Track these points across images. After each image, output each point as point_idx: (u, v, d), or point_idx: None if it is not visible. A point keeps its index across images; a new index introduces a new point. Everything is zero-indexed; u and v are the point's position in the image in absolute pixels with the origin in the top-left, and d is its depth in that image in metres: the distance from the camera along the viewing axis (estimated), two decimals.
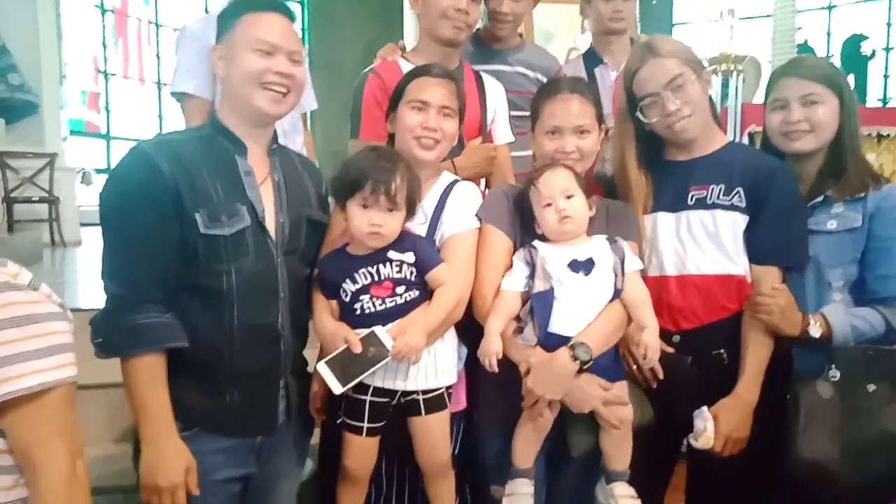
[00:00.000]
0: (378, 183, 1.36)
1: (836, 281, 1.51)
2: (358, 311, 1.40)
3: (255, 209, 1.32)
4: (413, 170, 1.45)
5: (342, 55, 10.82)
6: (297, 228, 1.40)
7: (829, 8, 10.82)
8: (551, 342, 1.39)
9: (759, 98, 7.46)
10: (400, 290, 1.40)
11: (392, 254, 1.41)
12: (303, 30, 11.28)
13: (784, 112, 1.57)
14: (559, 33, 3.50)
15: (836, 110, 1.55)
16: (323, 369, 1.34)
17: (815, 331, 1.45)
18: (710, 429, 1.44)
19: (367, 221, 1.37)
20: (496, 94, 1.96)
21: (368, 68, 1.90)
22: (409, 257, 1.41)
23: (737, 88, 4.77)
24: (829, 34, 10.77)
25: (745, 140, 4.31)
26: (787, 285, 1.52)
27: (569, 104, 1.52)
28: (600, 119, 1.57)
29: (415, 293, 1.41)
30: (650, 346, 1.39)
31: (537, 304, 1.41)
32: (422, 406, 1.44)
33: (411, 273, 1.41)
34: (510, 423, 1.47)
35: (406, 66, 1.85)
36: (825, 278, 1.52)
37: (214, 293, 1.28)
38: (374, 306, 1.39)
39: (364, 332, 1.36)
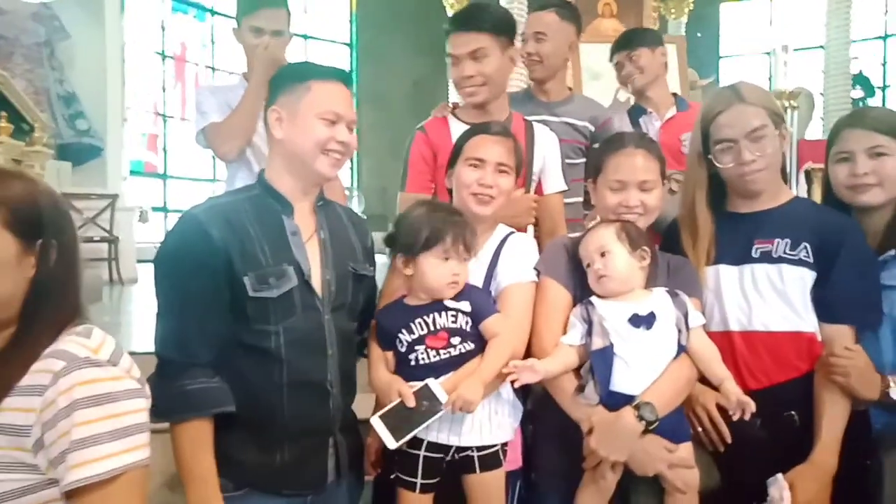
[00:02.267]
0: (458, 235, 1.41)
1: None
2: (413, 363, 1.40)
3: (301, 268, 1.34)
4: (471, 224, 1.48)
5: (390, 92, 11.10)
6: (343, 284, 1.41)
7: (885, 37, 10.55)
8: (614, 401, 1.35)
9: (811, 132, 7.31)
10: (455, 340, 1.39)
11: (448, 302, 1.41)
12: (351, 68, 11.64)
13: (850, 164, 1.52)
14: (606, 72, 3.51)
15: None
16: (377, 423, 1.33)
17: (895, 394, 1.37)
18: (786, 498, 1.36)
19: (449, 272, 1.41)
20: (547, 143, 1.96)
21: (419, 125, 1.97)
22: (465, 306, 1.41)
23: (792, 124, 4.68)
24: (884, 64, 10.48)
25: (803, 177, 4.20)
26: (861, 345, 1.44)
27: (634, 159, 1.51)
28: (663, 175, 1.55)
29: (470, 345, 1.40)
30: (736, 394, 1.34)
31: (597, 362, 1.38)
32: (476, 463, 1.41)
33: (467, 323, 1.41)
34: (571, 483, 1.42)
35: (454, 123, 1.91)
36: None
37: (264, 352, 1.31)
38: (429, 357, 1.39)
39: (418, 384, 1.35)
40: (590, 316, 1.41)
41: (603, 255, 1.43)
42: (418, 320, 1.40)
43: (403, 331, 1.41)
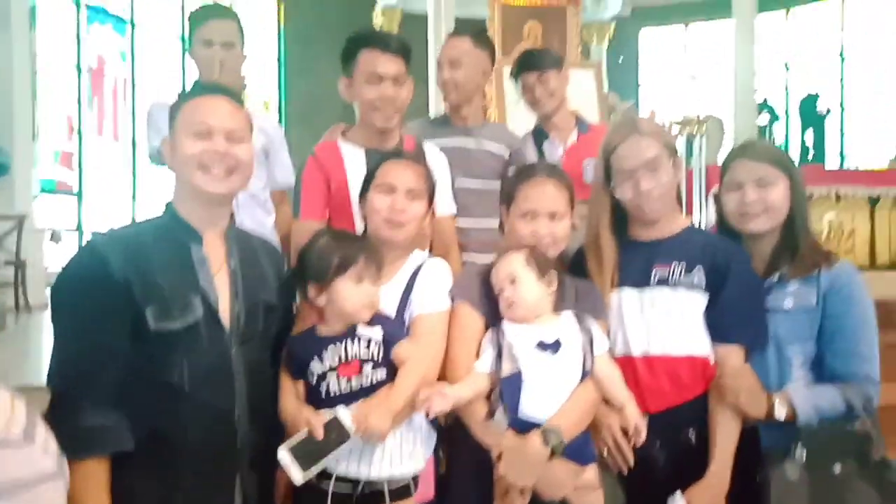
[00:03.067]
0: (370, 257, 1.43)
1: (796, 358, 1.55)
2: (324, 393, 1.39)
3: (208, 299, 1.32)
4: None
5: (319, 107, 11.01)
6: (253, 315, 1.39)
7: (787, 67, 11.35)
8: (522, 426, 1.38)
9: (722, 156, 7.72)
10: (367, 368, 1.39)
11: (360, 329, 1.41)
12: (279, 85, 11.48)
13: (739, 193, 1.63)
14: None
15: (787, 192, 1.61)
16: (283, 456, 1.30)
17: (781, 412, 1.47)
18: None
19: (364, 294, 1.41)
20: (437, 165, 1.98)
21: (310, 152, 1.97)
22: (377, 333, 1.41)
23: (701, 149, 4.95)
24: (786, 92, 11.26)
25: (711, 200, 4.45)
26: (749, 364, 1.55)
27: (544, 188, 1.57)
28: (572, 204, 1.62)
29: (382, 373, 1.40)
30: (635, 418, 1.41)
31: (506, 388, 1.41)
32: (386, 496, 1.40)
33: (379, 351, 1.41)
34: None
35: (344, 145, 1.93)
36: (785, 355, 1.56)
37: (166, 387, 1.27)
38: (340, 387, 1.38)
39: (328, 412, 1.34)
40: (500, 341, 1.45)
41: (513, 281, 1.48)
42: (330, 349, 1.40)
43: (315, 360, 1.40)
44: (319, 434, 1.31)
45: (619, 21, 10.40)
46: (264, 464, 1.41)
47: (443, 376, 1.50)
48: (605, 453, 1.52)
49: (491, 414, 1.43)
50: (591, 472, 1.43)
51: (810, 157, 10.04)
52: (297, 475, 1.30)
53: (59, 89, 8.45)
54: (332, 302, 1.42)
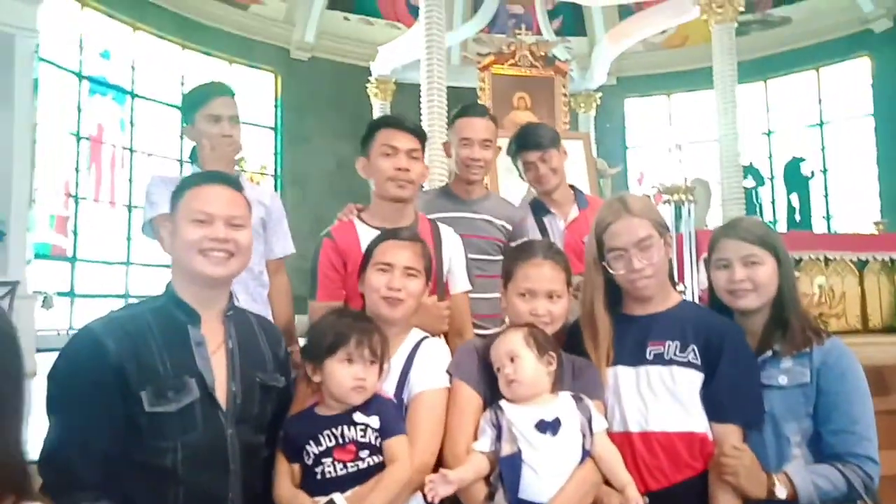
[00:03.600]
0: (361, 338, 1.43)
1: (794, 435, 1.55)
2: (319, 476, 1.38)
3: (204, 380, 1.33)
4: (380, 329, 1.50)
5: (313, 173, 11.21)
6: (250, 396, 1.40)
7: (769, 133, 11.71)
8: None
9: (711, 218, 7.87)
10: (363, 454, 1.39)
11: (358, 416, 1.41)
12: (275, 152, 11.71)
13: (728, 271, 1.67)
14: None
15: (774, 269, 1.65)
16: None
17: (781, 492, 1.46)
18: None
19: (351, 376, 1.41)
20: (452, 244, 2.03)
21: (325, 231, 2.00)
22: (375, 422, 1.41)
23: (690, 214, 5.04)
24: (770, 157, 11.57)
25: (702, 266, 4.52)
26: (747, 443, 1.54)
27: (541, 269, 1.61)
28: (569, 283, 1.65)
29: (378, 458, 1.40)
30: (636, 500, 1.41)
31: (506, 469, 1.41)
32: None
33: (376, 437, 1.41)
34: None
35: (360, 226, 1.96)
36: (783, 433, 1.56)
37: (159, 470, 1.26)
38: (336, 470, 1.38)
39: (323, 500, 1.33)
40: (499, 420, 1.46)
41: (512, 359, 1.49)
42: (326, 432, 1.40)
43: (311, 442, 1.39)
44: None
45: (606, 90, 10.77)
46: None
47: (441, 453, 1.49)
48: None
49: (490, 496, 1.42)
50: None
51: (797, 217, 10.24)
52: None
53: (58, 156, 8.59)
54: (325, 382, 1.43)
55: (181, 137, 10.43)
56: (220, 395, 1.35)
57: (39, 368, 5.66)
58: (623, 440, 1.54)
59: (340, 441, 1.39)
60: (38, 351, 6.02)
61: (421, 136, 1.98)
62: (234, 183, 1.46)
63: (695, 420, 1.56)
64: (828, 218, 10.96)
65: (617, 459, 1.47)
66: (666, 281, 1.68)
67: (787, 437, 1.55)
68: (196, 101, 2.26)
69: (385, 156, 1.93)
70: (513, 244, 2.36)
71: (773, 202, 11.24)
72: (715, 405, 1.56)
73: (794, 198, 10.63)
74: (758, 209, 11.05)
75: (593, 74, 10.33)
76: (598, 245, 1.66)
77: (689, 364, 1.57)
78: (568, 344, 1.69)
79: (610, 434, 1.53)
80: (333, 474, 1.37)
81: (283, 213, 2.44)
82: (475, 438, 1.49)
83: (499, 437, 1.44)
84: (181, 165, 10.39)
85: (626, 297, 1.68)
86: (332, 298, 1.85)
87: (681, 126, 11.89)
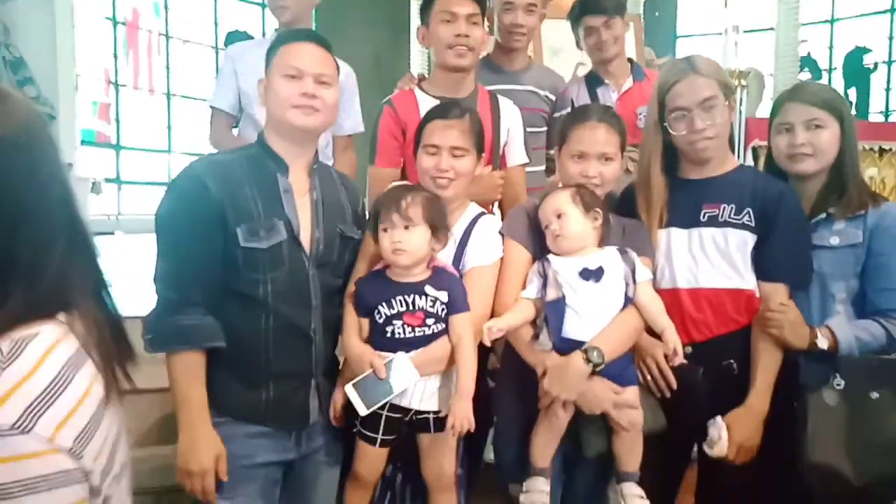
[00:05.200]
0: (390, 204, 1.48)
1: (840, 293, 1.59)
2: (388, 335, 1.48)
3: (290, 224, 1.43)
4: (434, 196, 1.54)
5: (350, 62, 10.91)
6: (330, 243, 1.50)
7: (832, 21, 10.92)
8: (565, 346, 1.47)
9: (762, 112, 7.57)
10: (430, 321, 1.49)
11: (429, 289, 1.49)
12: None
13: (789, 135, 1.65)
14: (567, 48, 3.61)
15: (837, 134, 1.63)
16: (350, 391, 1.45)
17: (823, 343, 1.52)
18: (724, 438, 1.50)
19: (388, 241, 1.47)
20: (511, 116, 2.02)
21: (386, 99, 2.01)
22: (443, 296, 1.49)
23: (740, 103, 4.86)
24: (831, 47, 10.86)
25: (749, 154, 4.40)
26: (793, 300, 1.58)
27: (596, 131, 1.60)
28: (623, 148, 1.65)
29: (441, 326, 1.50)
30: (674, 342, 1.47)
31: (550, 312, 1.49)
32: (431, 424, 1.52)
33: (442, 310, 1.50)
34: (528, 427, 1.53)
35: (421, 96, 1.96)
36: (829, 291, 1.59)
37: (252, 299, 1.41)
38: (405, 333, 1.48)
39: (389, 356, 1.45)
40: (545, 271, 1.52)
41: (559, 216, 1.53)
42: (399, 297, 1.48)
43: (384, 304, 1.49)
44: (383, 374, 1.44)
45: None
46: (334, 374, 1.56)
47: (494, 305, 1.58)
48: (649, 378, 1.58)
49: (536, 336, 1.51)
50: (631, 393, 1.50)
51: (854, 112, 9.75)
52: (362, 408, 1.44)
53: (95, 42, 8.56)
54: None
55: (215, 23, 10.28)
56: (305, 239, 1.46)
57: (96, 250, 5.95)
58: (671, 296, 1.60)
59: (411, 307, 1.48)
60: (95, 235, 6.32)
61: (480, 1, 1.92)
62: (324, 42, 1.51)
63: (743, 279, 1.60)
64: (886, 113, 10.41)
65: (659, 307, 1.53)
66: (726, 144, 1.67)
67: (833, 294, 1.59)
68: None
69: (444, 22, 1.90)
70: (556, 115, 2.34)
71: None
72: (766, 264, 1.59)
73: (853, 92, 10.09)
74: None
75: None
76: (660, 107, 1.64)
77: (742, 226, 1.59)
78: (620, 208, 1.72)
79: (658, 290, 1.58)
80: (402, 336, 1.48)
81: (355, 90, 2.45)
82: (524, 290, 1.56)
83: (544, 286, 1.51)
84: (216, 52, 10.30)
85: (684, 160, 1.68)
86: (390, 165, 1.91)
87: (737, 12, 11.16)
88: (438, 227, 1.50)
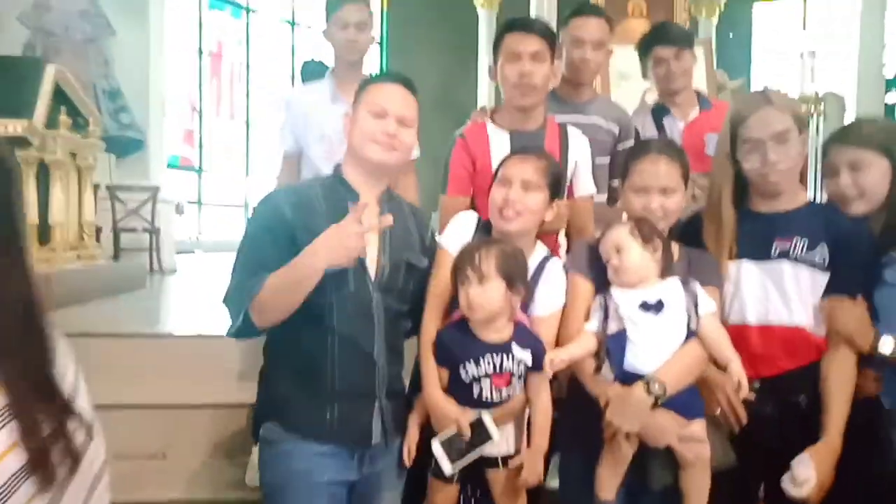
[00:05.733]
0: (465, 259, 1.53)
1: None
2: (476, 394, 1.53)
3: None
4: (511, 246, 1.56)
5: (418, 84, 11.18)
6: (396, 271, 1.57)
7: None
8: (627, 378, 1.48)
9: None
10: (514, 381, 1.55)
11: (516, 349, 1.53)
12: (381, 66, 11.81)
13: (835, 178, 1.64)
14: (634, 74, 3.61)
15: (885, 171, 1.60)
16: (436, 449, 1.51)
17: (886, 347, 1.49)
18: (812, 477, 1.46)
19: (464, 296, 1.52)
20: (579, 147, 2.05)
21: (458, 131, 2.09)
22: (528, 357, 1.53)
23: (817, 129, 4.70)
24: None
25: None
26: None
27: (657, 165, 1.62)
28: (686, 179, 1.66)
29: (521, 385, 1.56)
30: (738, 374, 1.46)
31: (612, 344, 1.51)
32: (500, 462, 1.56)
33: (525, 369, 1.55)
34: (593, 458, 1.54)
35: (491, 129, 2.02)
36: None
37: (319, 319, 1.48)
38: (492, 395, 1.53)
39: (473, 414, 1.51)
40: (607, 304, 1.54)
41: (618, 250, 1.56)
42: (488, 357, 1.52)
43: (471, 362, 1.52)
44: (468, 435, 1.50)
45: None
46: (397, 396, 1.61)
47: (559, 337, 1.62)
48: (718, 412, 1.57)
49: (598, 368, 1.53)
50: (697, 426, 1.49)
51: None
52: (447, 467, 1.51)
53: (182, 71, 9.15)
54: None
55: (292, 53, 10.78)
56: (371, 265, 1.53)
57: (179, 267, 6.34)
58: (740, 331, 1.59)
59: (498, 369, 1.53)
60: (177, 253, 6.71)
61: (547, 36, 1.97)
62: (411, 86, 1.61)
63: (813, 319, 1.58)
64: None
65: (724, 339, 1.52)
66: (797, 179, 1.65)
67: None
68: (331, 7, 2.41)
69: (509, 62, 1.95)
70: (619, 146, 2.36)
71: None
72: (835, 282, 1.58)
73: None
74: None
75: None
76: (732, 138, 1.64)
77: (814, 265, 1.57)
78: (684, 234, 1.71)
79: (727, 324, 1.58)
80: (489, 398, 1.53)
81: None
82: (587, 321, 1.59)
83: (606, 318, 1.54)
84: (292, 82, 10.78)
85: (754, 192, 1.67)
86: (460, 194, 1.98)
87: (816, 34, 10.78)
88: (515, 279, 1.53)
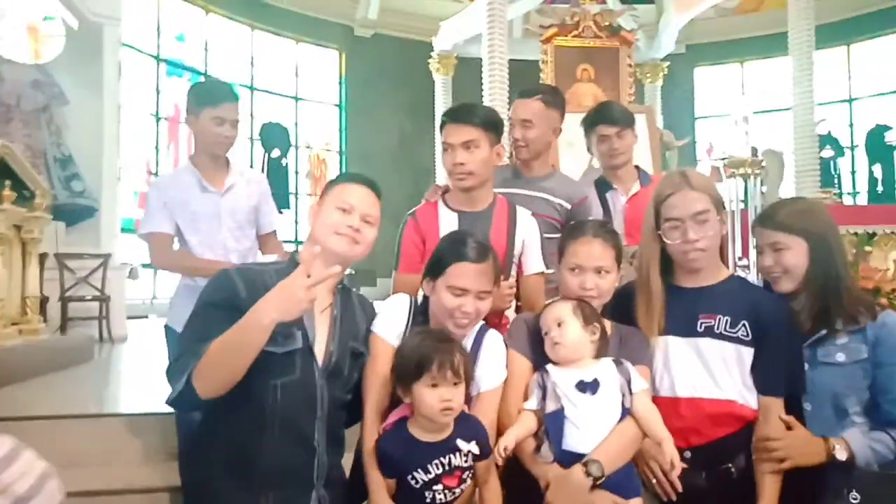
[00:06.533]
0: (444, 361, 1.50)
1: (853, 408, 1.62)
2: (429, 499, 1.51)
3: (307, 335, 1.53)
4: (462, 347, 1.60)
5: (378, 148, 11.46)
6: (342, 358, 1.59)
7: (850, 101, 11.08)
8: (566, 459, 1.50)
9: (784, 190, 7.59)
10: (465, 476, 1.55)
11: (461, 443, 1.52)
12: (340, 128, 12.01)
13: (761, 257, 1.76)
14: (578, 141, 3.77)
15: (803, 251, 1.69)
16: None
17: (841, 454, 1.55)
18: None
19: (438, 399, 1.49)
20: (526, 226, 2.11)
21: (411, 211, 2.16)
22: (475, 447, 1.53)
23: (756, 188, 4.91)
24: (851, 125, 10.97)
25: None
26: (793, 415, 1.62)
27: (591, 246, 1.69)
28: (619, 259, 1.73)
29: (471, 474, 1.57)
30: (671, 455, 1.49)
31: (550, 423, 1.54)
32: None
33: (473, 460, 1.55)
34: None
35: (442, 209, 2.09)
36: (842, 406, 1.62)
37: (260, 402, 1.48)
38: (445, 497, 1.52)
39: None
40: (545, 382, 1.58)
41: (559, 325, 1.61)
42: (435, 461, 1.51)
43: (419, 470, 1.50)
44: None
45: (674, 58, 10.45)
46: (335, 485, 1.60)
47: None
48: (655, 482, 1.60)
49: (538, 448, 1.55)
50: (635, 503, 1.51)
51: (880, 188, 9.70)
52: None
53: (138, 136, 9.12)
54: (415, 404, 1.53)
55: (251, 118, 10.90)
56: (319, 351, 1.56)
57: (130, 334, 6.16)
58: (670, 404, 1.64)
59: (447, 469, 1.52)
60: (129, 318, 6.54)
61: (480, 124, 2.01)
62: (376, 188, 1.69)
63: (742, 392, 1.64)
64: None
65: (655, 417, 1.56)
66: (717, 255, 1.74)
67: (847, 409, 1.62)
68: (206, 100, 2.39)
69: (445, 151, 2.05)
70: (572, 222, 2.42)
71: (852, 173, 10.69)
72: (761, 379, 1.64)
73: (878, 168, 10.08)
74: (836, 180, 10.53)
75: (661, 43, 10.04)
76: (656, 216, 1.73)
77: (738, 340, 1.64)
78: (616, 306, 1.76)
79: (657, 399, 1.62)
80: (443, 500, 1.52)
81: (269, 192, 2.63)
82: (525, 399, 1.62)
83: (544, 397, 1.57)
84: (251, 145, 10.85)
85: (678, 268, 1.74)
86: (411, 271, 2.01)
87: (754, 95, 11.42)
88: (469, 380, 1.57)
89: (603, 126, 2.61)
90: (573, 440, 1.51)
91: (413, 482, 1.51)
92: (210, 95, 2.43)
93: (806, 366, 1.66)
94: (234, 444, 1.48)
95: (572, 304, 1.64)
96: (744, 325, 1.64)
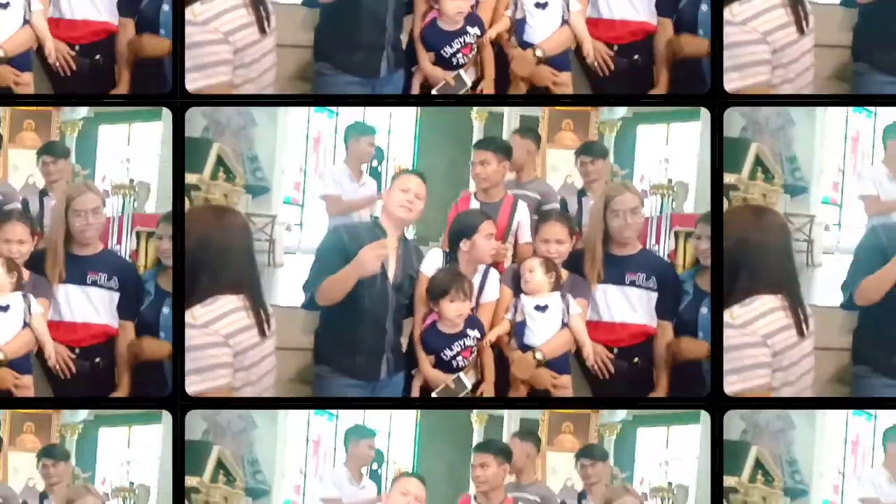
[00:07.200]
0: (458, 287, 2.52)
1: None
2: (455, 366, 2.49)
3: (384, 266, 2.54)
4: (468, 279, 2.56)
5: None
6: (404, 280, 2.61)
7: None
8: (524, 349, 2.52)
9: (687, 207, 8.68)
10: (473, 350, 2.52)
11: (469, 332, 2.51)
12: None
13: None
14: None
15: None
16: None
17: None
18: None
19: (454, 309, 2.48)
20: (520, 212, 2.76)
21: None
22: (478, 334, 2.53)
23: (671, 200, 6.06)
24: None
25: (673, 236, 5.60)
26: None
27: (554, 227, 2.60)
28: (572, 235, 2.64)
29: (476, 350, 2.57)
30: (590, 352, 2.54)
31: (517, 328, 2.56)
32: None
33: (476, 342, 2.54)
34: None
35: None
36: None
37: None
38: (464, 362, 2.49)
39: (451, 377, 2.51)
40: (518, 303, 2.58)
41: (531, 272, 2.57)
42: (456, 343, 2.46)
43: (447, 349, 2.47)
44: (454, 387, 2.46)
45: None
46: (396, 352, 2.60)
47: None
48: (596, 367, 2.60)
49: (509, 341, 2.57)
50: (564, 379, 2.54)
51: None
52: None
53: None
54: (441, 311, 2.50)
55: None
56: (391, 274, 2.56)
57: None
58: (609, 326, 2.62)
59: (462, 347, 2.47)
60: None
61: (493, 149, 2.73)
62: (423, 177, 2.65)
63: (648, 319, 2.66)
64: None
65: (582, 330, 2.56)
66: (637, 235, 2.72)
67: None
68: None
69: (471, 168, 2.76)
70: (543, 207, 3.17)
71: None
72: (658, 310, 2.66)
73: None
74: None
75: None
76: (605, 209, 2.64)
77: (650, 288, 2.65)
78: (570, 265, 2.69)
79: (602, 323, 2.61)
80: (461, 365, 2.47)
81: None
82: (506, 312, 2.59)
83: (516, 312, 2.57)
84: None
85: (612, 242, 2.68)
86: None
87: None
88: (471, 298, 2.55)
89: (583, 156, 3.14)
90: (529, 339, 2.53)
91: (444, 356, 2.50)
92: None
93: None
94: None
95: (539, 259, 2.62)
96: (652, 279, 2.65)
